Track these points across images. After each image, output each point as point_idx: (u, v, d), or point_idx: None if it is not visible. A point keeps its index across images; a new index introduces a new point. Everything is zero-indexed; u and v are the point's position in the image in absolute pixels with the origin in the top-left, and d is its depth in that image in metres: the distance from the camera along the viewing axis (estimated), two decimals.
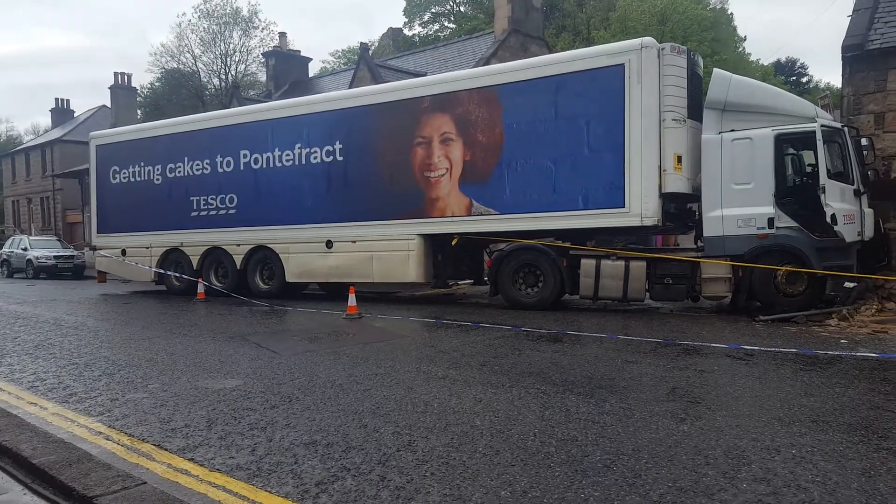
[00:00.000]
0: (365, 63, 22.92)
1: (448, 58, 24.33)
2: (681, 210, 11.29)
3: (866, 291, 9.99)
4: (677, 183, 10.38)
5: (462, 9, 45.39)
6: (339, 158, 13.32)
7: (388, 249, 12.71)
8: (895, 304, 9.59)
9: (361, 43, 26.57)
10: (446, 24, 45.74)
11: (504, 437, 4.55)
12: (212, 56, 41.46)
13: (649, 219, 10.29)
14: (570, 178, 10.86)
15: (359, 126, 13.14)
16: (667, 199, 10.44)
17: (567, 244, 11.35)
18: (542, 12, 26.11)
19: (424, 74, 21.14)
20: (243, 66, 42.37)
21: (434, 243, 12.72)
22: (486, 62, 20.49)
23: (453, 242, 12.34)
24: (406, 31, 45.74)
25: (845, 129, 9.95)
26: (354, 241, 13.07)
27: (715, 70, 10.85)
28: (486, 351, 7.76)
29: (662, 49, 10.32)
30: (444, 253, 12.85)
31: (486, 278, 13.46)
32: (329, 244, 13.40)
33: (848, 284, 9.53)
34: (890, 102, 10.87)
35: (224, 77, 41.71)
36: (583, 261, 11.05)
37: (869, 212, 9.94)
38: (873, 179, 10.49)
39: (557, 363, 6.96)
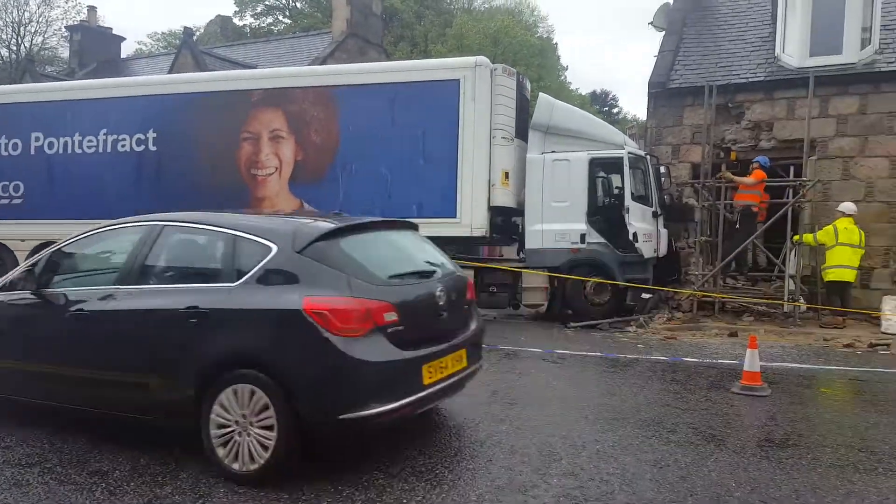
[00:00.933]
0: (188, 48, 21.38)
1: (281, 53, 23.52)
2: (506, 223, 11.87)
3: (660, 302, 11.23)
4: (504, 197, 10.91)
5: (299, 5, 44.19)
6: (153, 148, 12.21)
7: None
8: (683, 313, 10.88)
9: (185, 27, 24.83)
10: (281, 18, 44.09)
11: None
12: (0, 23, 36.36)
13: (479, 230, 10.71)
14: (406, 186, 10.97)
15: (178, 115, 12.13)
16: (494, 212, 10.93)
17: None
18: (382, 19, 26.27)
19: (255, 67, 20.28)
20: (41, 39, 37.48)
21: None
22: (323, 62, 20.11)
23: None
24: (236, 21, 43.38)
25: (648, 157, 11.10)
26: None
27: (541, 94, 11.60)
28: None
29: (495, 70, 10.78)
30: None
31: None
32: None
33: (645, 296, 10.65)
34: (684, 136, 12.34)
35: (16, 49, 36.70)
36: None
37: (664, 232, 11.18)
38: (668, 203, 11.79)
39: None
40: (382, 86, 11.21)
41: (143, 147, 12.28)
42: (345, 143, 11.28)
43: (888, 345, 8.67)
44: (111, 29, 30.64)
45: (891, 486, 3.89)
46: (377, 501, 3.62)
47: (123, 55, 31.00)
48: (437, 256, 4.99)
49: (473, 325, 4.83)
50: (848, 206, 10.28)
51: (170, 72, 20.47)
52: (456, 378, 4.40)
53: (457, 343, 4.45)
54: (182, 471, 4.01)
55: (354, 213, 11.02)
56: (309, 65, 19.11)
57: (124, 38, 30.92)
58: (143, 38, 46.35)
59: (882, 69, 10.96)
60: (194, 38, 24.32)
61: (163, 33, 44.36)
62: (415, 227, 5.24)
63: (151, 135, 12.22)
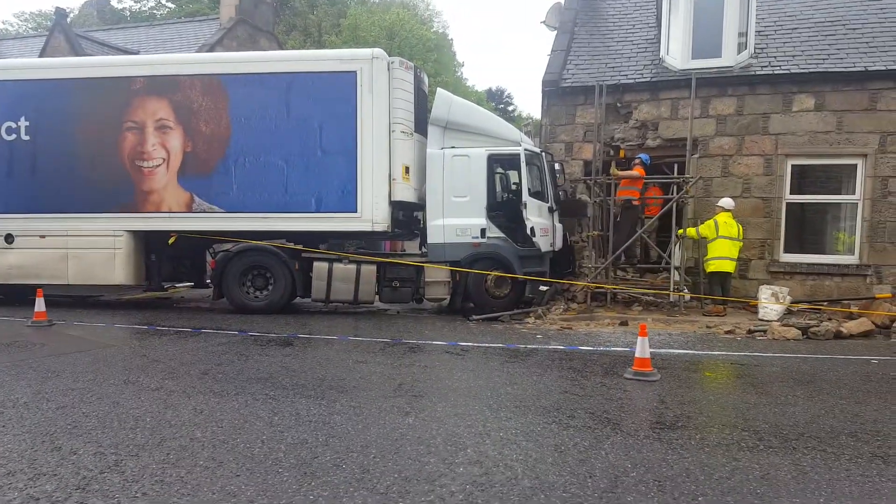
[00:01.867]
0: (61, 31, 19.77)
1: (166, 39, 22.25)
2: (408, 218, 11.85)
3: (556, 294, 11.57)
4: (405, 192, 10.87)
5: None
6: (25, 138, 11.28)
7: (89, 247, 11.14)
8: (578, 304, 11.28)
9: (57, 8, 22.96)
10: (164, 2, 41.71)
11: (228, 448, 4.26)
12: None
13: (380, 224, 10.61)
14: (303, 180, 10.70)
15: (54, 102, 11.25)
16: (395, 206, 10.88)
17: (299, 246, 11.16)
18: (273, 7, 25.40)
19: (137, 53, 19.09)
20: None
21: (147, 241, 11.51)
22: (211, 49, 19.20)
23: (170, 241, 11.31)
24: (115, 4, 40.56)
25: (543, 154, 11.40)
26: (44, 237, 11.21)
27: (439, 90, 11.63)
28: (208, 358, 7.23)
29: (392, 63, 10.71)
30: (158, 252, 11.70)
31: (209, 281, 12.58)
32: (9, 238, 11.30)
33: (542, 288, 10.95)
34: (577, 134, 12.76)
35: None
36: (315, 264, 10.96)
37: (559, 226, 11.53)
38: (563, 199, 12.18)
39: (288, 367, 6.78)
40: (276, 75, 10.87)
41: (13, 136, 11.33)
42: (237, 134, 10.86)
43: (765, 330, 9.35)
44: None
45: (772, 462, 4.16)
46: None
47: None
48: None
49: None
50: (727, 202, 11.01)
51: (41, 55, 18.94)
52: None
53: None
54: None
55: (250, 206, 10.78)
56: (196, 52, 18.18)
57: None
58: (8, 18, 42.50)
59: (757, 72, 11.76)
60: (68, 19, 22.52)
61: (32, 13, 40.91)
62: None
63: (23, 123, 11.31)
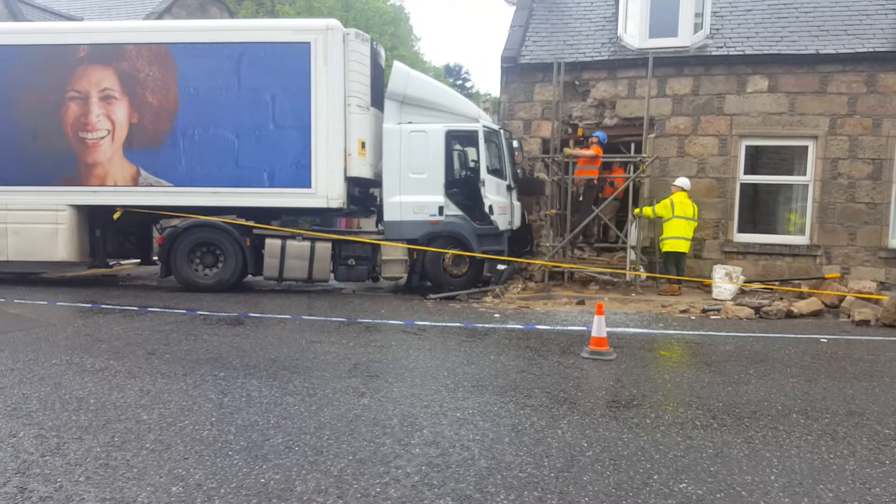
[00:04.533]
0: None
1: (111, 6, 21.24)
2: (364, 194, 11.66)
3: (514, 273, 11.58)
4: (361, 168, 10.68)
5: None
6: None
7: (30, 221, 10.67)
8: (535, 283, 11.31)
9: None
10: None
11: (176, 430, 4.11)
12: None
13: (335, 201, 10.41)
14: (255, 154, 10.41)
15: None
16: (351, 182, 10.69)
17: (251, 223, 10.88)
18: None
19: (80, 20, 18.24)
20: None
21: (91, 216, 11.08)
22: (159, 17, 18.47)
23: (116, 216, 10.90)
24: None
25: (501, 131, 11.31)
26: None
27: (396, 63, 11.40)
28: (155, 338, 6.99)
29: (348, 34, 10.44)
30: (103, 228, 11.28)
31: (156, 258, 12.19)
32: None
33: (500, 267, 10.93)
34: (535, 112, 12.71)
35: None
36: (267, 240, 10.71)
37: (517, 204, 11.50)
38: (521, 177, 12.15)
39: (238, 347, 6.59)
40: (227, 45, 10.49)
41: None
42: (185, 106, 10.48)
43: (719, 310, 9.52)
44: None
45: (725, 440, 4.22)
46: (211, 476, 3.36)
47: None
48: None
49: None
50: (683, 182, 11.12)
51: None
52: None
53: None
54: None
55: (199, 181, 10.43)
56: (144, 19, 17.47)
57: None
58: None
59: (712, 53, 11.86)
60: None
61: None
62: None
63: None
